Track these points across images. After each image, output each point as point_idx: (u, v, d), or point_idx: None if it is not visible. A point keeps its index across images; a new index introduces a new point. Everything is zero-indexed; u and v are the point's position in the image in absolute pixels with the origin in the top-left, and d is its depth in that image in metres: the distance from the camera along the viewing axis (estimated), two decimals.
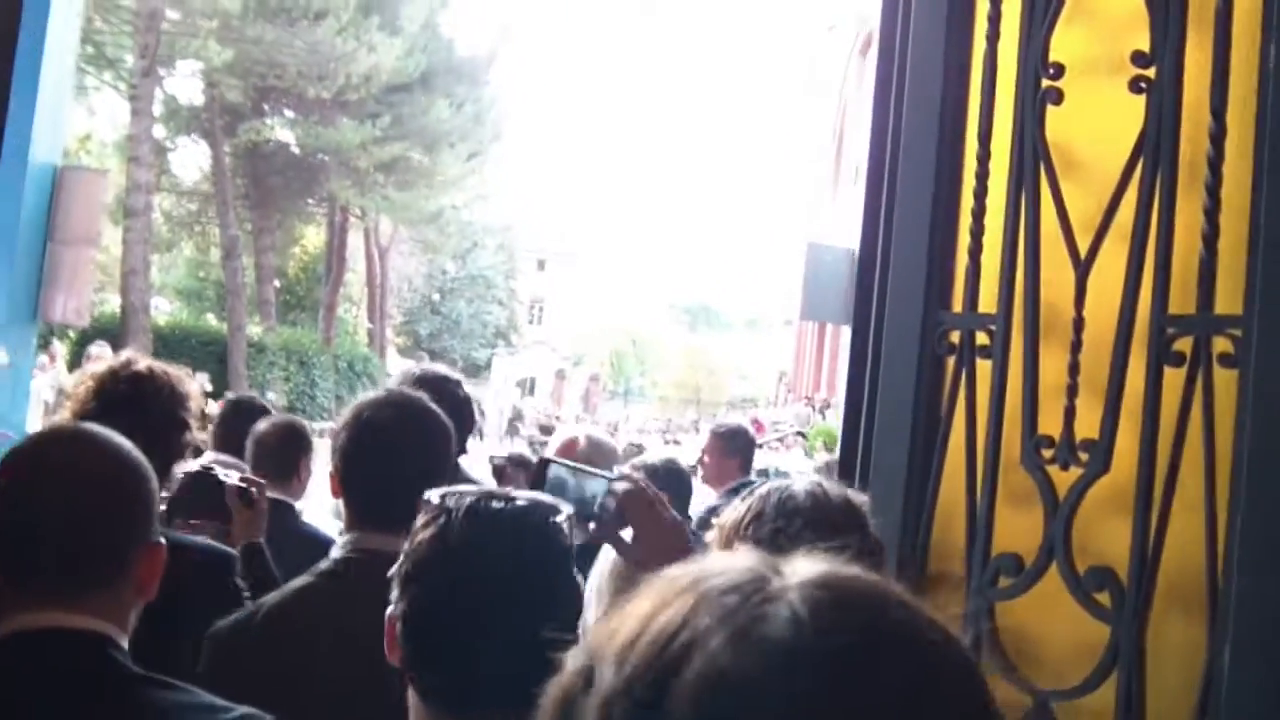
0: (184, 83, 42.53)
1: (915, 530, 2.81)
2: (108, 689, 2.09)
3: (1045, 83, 2.78)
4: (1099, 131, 2.81)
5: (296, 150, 46.16)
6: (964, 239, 2.87)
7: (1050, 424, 2.73)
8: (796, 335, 48.94)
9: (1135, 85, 2.73)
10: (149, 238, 35.86)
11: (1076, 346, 2.68)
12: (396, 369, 62.57)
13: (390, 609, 1.96)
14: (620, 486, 2.28)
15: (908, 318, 2.85)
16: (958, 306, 2.88)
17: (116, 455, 2.27)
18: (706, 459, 7.67)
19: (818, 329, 44.42)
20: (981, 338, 2.81)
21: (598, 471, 2.37)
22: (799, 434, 32.56)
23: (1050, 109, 2.79)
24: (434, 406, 3.09)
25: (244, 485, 4.08)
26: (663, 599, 0.91)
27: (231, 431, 5.65)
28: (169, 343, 38.70)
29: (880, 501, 2.82)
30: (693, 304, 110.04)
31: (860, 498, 2.41)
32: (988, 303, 2.83)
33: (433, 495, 2.00)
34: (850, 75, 42.64)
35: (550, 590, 1.93)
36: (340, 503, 2.98)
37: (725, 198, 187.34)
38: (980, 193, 2.83)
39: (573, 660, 0.93)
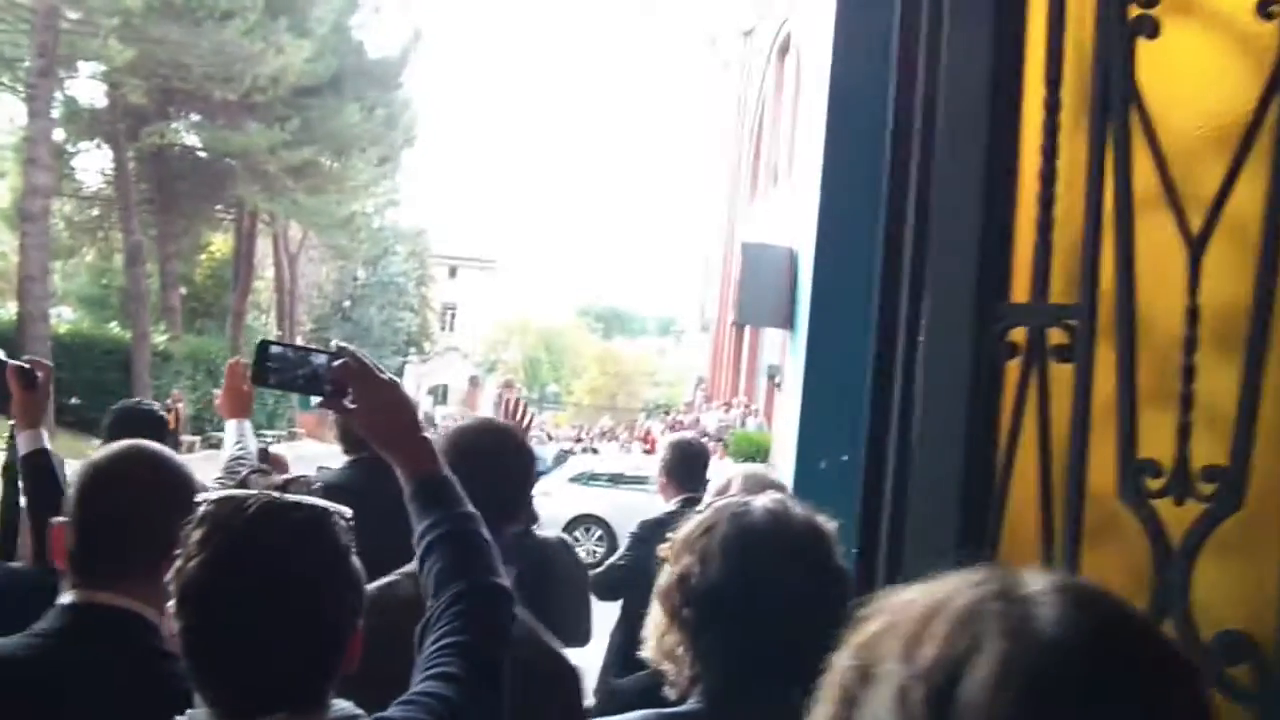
0: (86, 85, 41.61)
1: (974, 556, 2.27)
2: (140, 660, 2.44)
3: (1135, 10, 2.19)
4: (1211, 72, 2.23)
5: (203, 154, 45.32)
6: (1027, 210, 2.28)
7: (1152, 445, 2.15)
8: (714, 340, 48.56)
9: (1264, 8, 2.15)
10: (47, 243, 34.78)
11: (1191, 345, 2.09)
12: None
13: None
14: (336, 363, 2.45)
15: (954, 313, 2.27)
16: (1020, 295, 2.30)
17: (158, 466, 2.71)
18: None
19: (735, 334, 44.17)
20: (1057, 335, 2.21)
21: (316, 348, 2.53)
22: (719, 440, 32.25)
23: (1142, 44, 2.19)
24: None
25: (25, 365, 4.03)
26: (927, 607, 1.14)
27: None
28: (70, 351, 37.73)
29: (924, 543, 2.29)
30: (605, 310, 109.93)
31: (828, 524, 2.29)
32: (1061, 291, 2.25)
33: (204, 498, 2.03)
34: (769, 77, 42.38)
35: (326, 604, 1.96)
36: None
37: (637, 203, 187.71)
38: (1049, 151, 2.23)
39: (845, 661, 1.17)
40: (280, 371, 2.47)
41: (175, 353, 41.48)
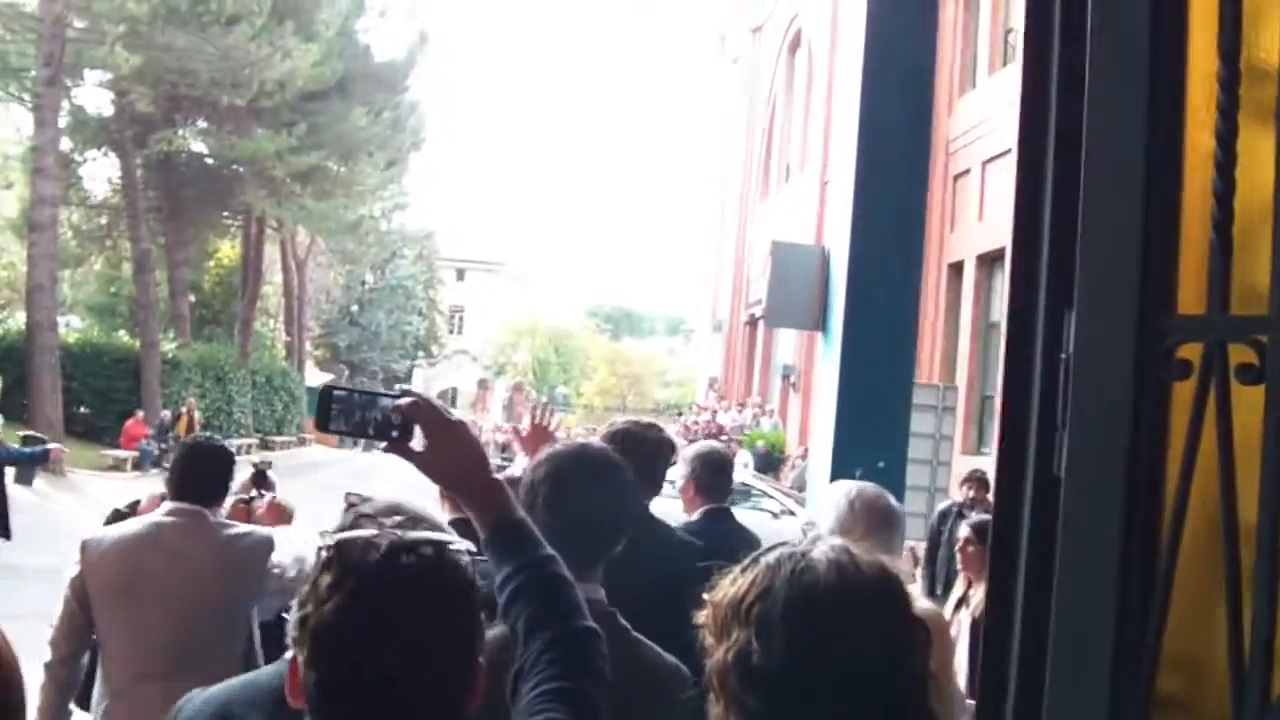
0: (92, 93, 41.41)
1: (1136, 634, 1.95)
2: None
3: None
4: None
5: (210, 161, 45.07)
6: (1197, 206, 1.97)
7: None
8: (726, 340, 48.30)
9: None
10: (55, 253, 34.54)
11: None
12: (315, 381, 62.07)
13: (291, 653, 1.93)
14: (404, 402, 2.33)
15: (1110, 328, 1.96)
16: (1190, 306, 1.98)
17: None
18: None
19: (748, 333, 43.93)
20: (1242, 353, 1.89)
21: (383, 392, 2.46)
22: (736, 441, 31.98)
23: None
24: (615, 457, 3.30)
25: None
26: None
27: (191, 473, 5.29)
28: (80, 360, 37.57)
29: (1077, 593, 1.99)
30: (614, 310, 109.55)
31: (900, 567, 2.05)
32: (1242, 301, 1.93)
33: (326, 538, 1.94)
34: (779, 75, 42.12)
35: (460, 646, 1.92)
36: None
37: (645, 203, 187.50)
38: (1227, 135, 1.92)
39: None
40: (346, 416, 2.37)
41: (184, 360, 41.23)
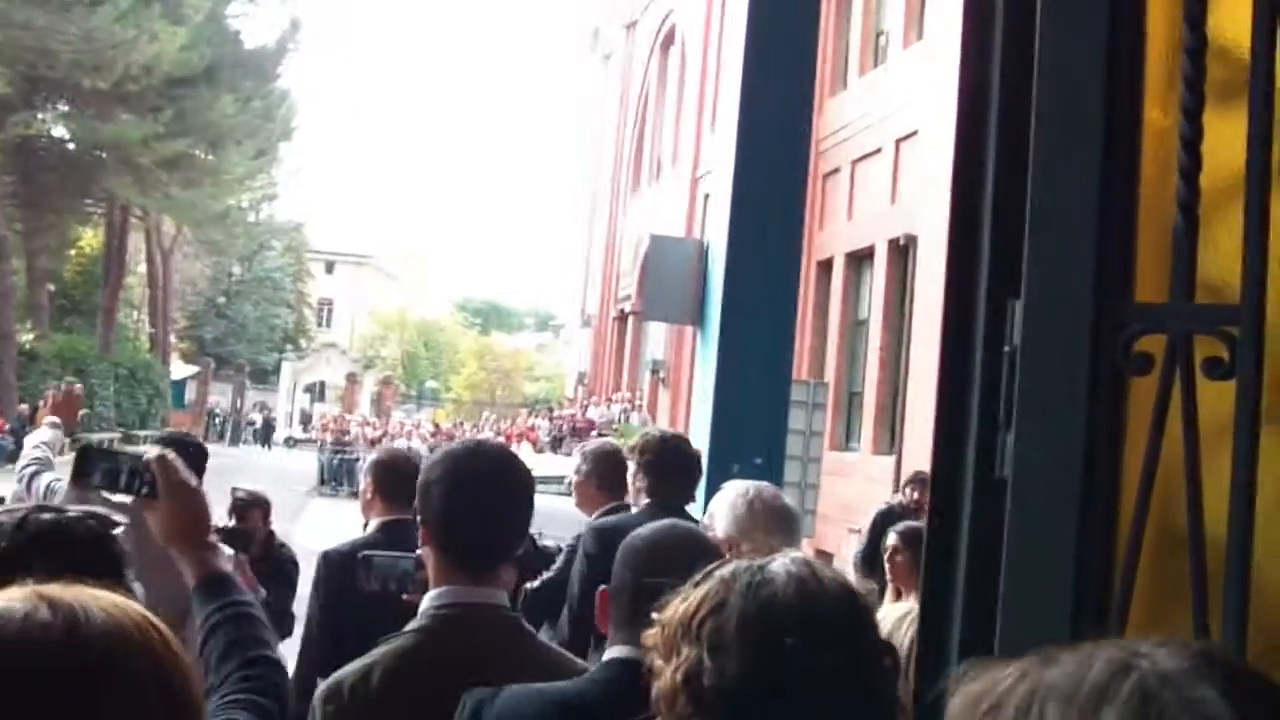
0: None
1: (1101, 603, 1.78)
2: None
3: None
4: None
5: (71, 146, 43.95)
6: (1154, 189, 1.80)
7: None
8: (594, 335, 48.10)
9: None
10: None
11: None
12: (180, 374, 60.84)
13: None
14: (153, 454, 2.60)
15: (1061, 317, 1.79)
16: (1149, 294, 1.80)
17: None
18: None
19: (617, 328, 43.80)
20: (1209, 345, 1.72)
21: (132, 450, 2.70)
22: (603, 435, 31.81)
23: None
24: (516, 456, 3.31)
25: None
26: None
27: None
28: None
29: (1024, 610, 1.81)
30: (483, 304, 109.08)
31: (863, 584, 1.81)
32: (1209, 290, 1.76)
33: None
34: (651, 71, 42.02)
35: None
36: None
37: (514, 198, 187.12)
38: (1194, 108, 1.74)
39: None
40: (105, 473, 2.62)
41: (42, 352, 40.23)
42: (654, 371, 37.62)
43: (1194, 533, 1.71)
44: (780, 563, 1.85)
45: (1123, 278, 1.81)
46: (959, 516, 1.89)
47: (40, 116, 41.14)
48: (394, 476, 5.73)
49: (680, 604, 1.84)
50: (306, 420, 61.74)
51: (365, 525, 5.93)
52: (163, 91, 39.38)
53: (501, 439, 34.24)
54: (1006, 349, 1.85)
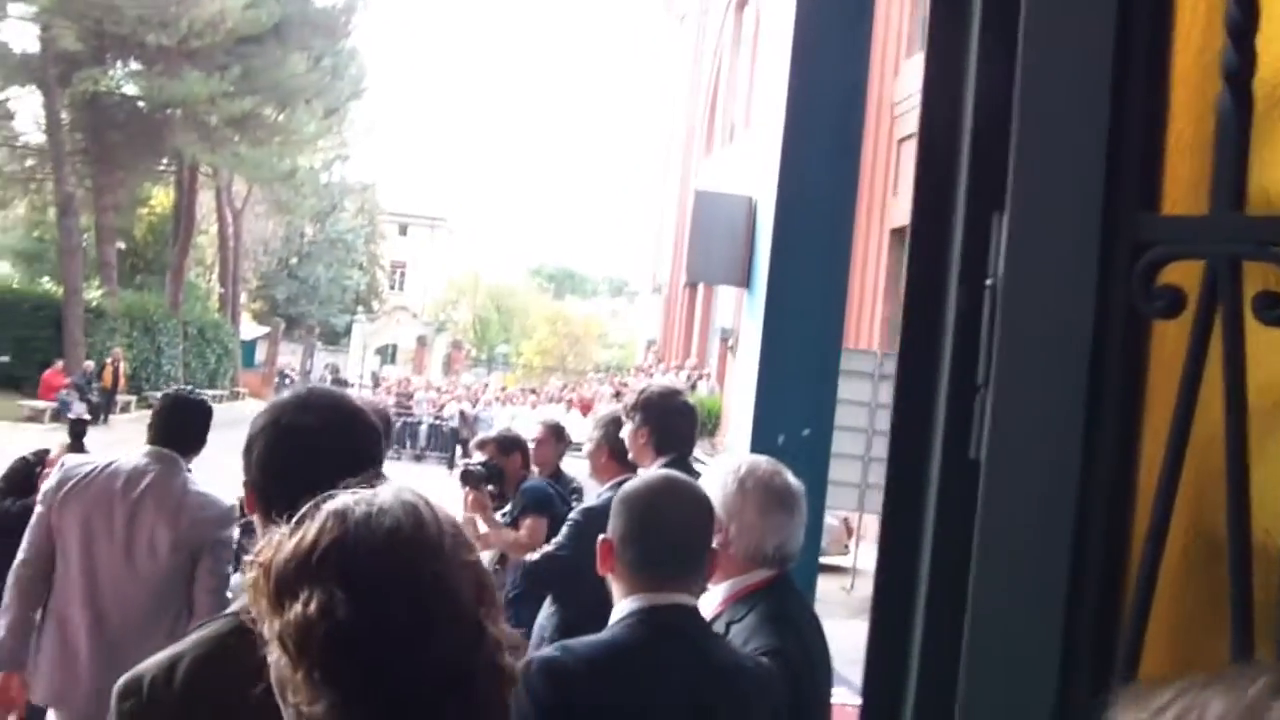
0: (18, 27, 40.02)
1: (1091, 684, 1.26)
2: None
3: None
4: None
5: (141, 103, 43.85)
6: (1194, 52, 1.28)
7: None
8: (666, 302, 47.68)
9: None
10: None
11: None
12: (251, 334, 61.26)
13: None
14: None
15: (1060, 236, 1.28)
16: (1181, 204, 1.27)
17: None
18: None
19: (688, 294, 43.34)
20: (1264, 275, 1.19)
21: None
22: None
23: None
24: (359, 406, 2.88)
25: None
26: None
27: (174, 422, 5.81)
28: None
29: (1005, 633, 1.31)
30: (557, 270, 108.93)
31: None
32: (1267, 200, 1.23)
33: None
34: (726, 30, 41.43)
35: None
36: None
37: (590, 161, 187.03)
38: None
39: None
40: None
41: (110, 309, 40.17)
42: (724, 339, 37.18)
43: (1236, 535, 1.20)
44: (388, 494, 1.80)
45: (1143, 180, 1.30)
46: (920, 508, 1.40)
47: (110, 73, 41.04)
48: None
49: (289, 541, 1.75)
50: (376, 382, 61.64)
51: None
52: (231, 49, 39.18)
53: (562, 405, 33.86)
54: (988, 282, 1.35)
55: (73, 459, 5.72)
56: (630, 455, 5.79)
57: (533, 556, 6.24)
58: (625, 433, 5.76)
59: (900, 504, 1.42)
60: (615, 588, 3.14)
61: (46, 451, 7.19)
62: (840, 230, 9.48)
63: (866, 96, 10.15)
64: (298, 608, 1.68)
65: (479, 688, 1.75)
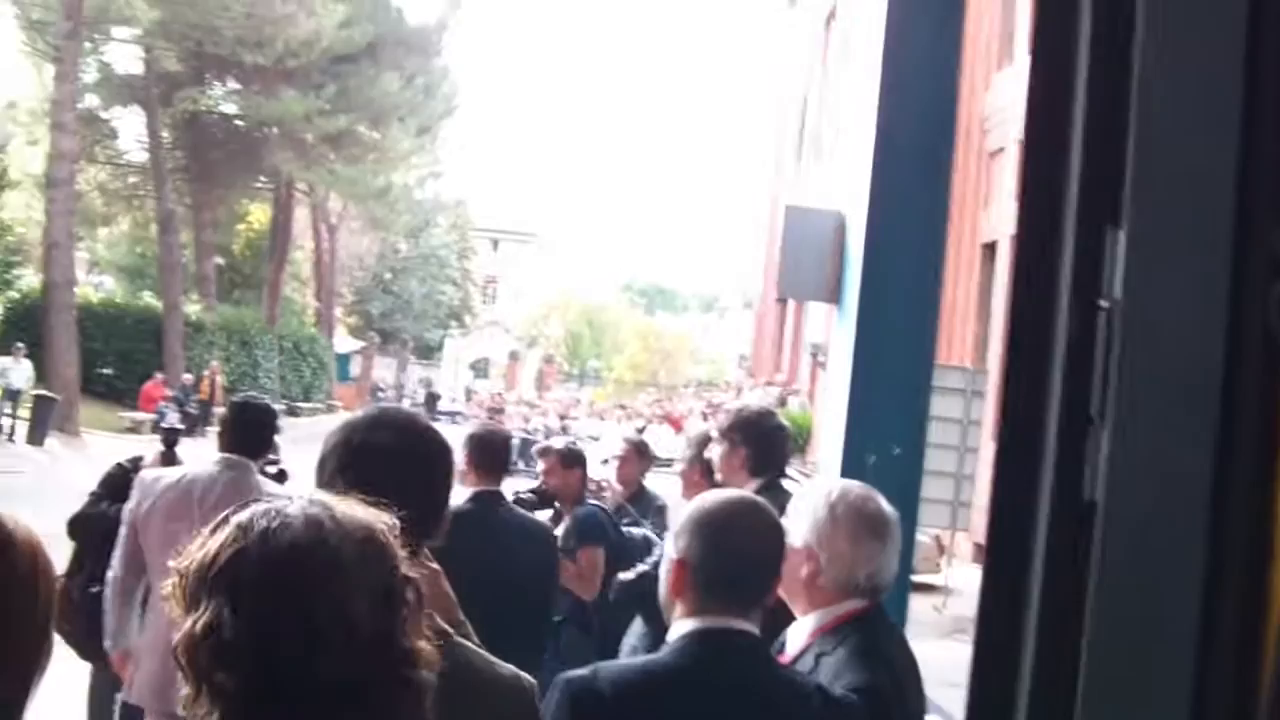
0: (121, 50, 40.71)
1: (1240, 704, 1.12)
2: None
3: None
4: None
5: (239, 122, 44.46)
6: None
7: None
8: (756, 317, 47.46)
9: None
10: (73, 209, 33.75)
11: None
12: (345, 348, 61.86)
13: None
14: None
15: (1185, 255, 1.15)
16: None
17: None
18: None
19: (778, 309, 43.12)
20: None
21: None
22: None
23: None
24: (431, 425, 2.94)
25: None
26: None
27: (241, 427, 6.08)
28: (101, 321, 37.21)
29: (1148, 655, 1.17)
30: (648, 285, 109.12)
31: (385, 521, 1.85)
32: None
33: None
34: (816, 44, 41.21)
35: None
36: None
37: (682, 177, 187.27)
38: None
39: None
40: None
41: (208, 323, 40.73)
42: (814, 355, 36.92)
43: None
44: (299, 504, 1.79)
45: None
46: (1027, 557, 1.26)
47: (208, 93, 41.67)
48: (486, 448, 6.03)
49: (198, 552, 1.75)
50: (469, 397, 61.94)
51: None
52: (326, 68, 39.63)
53: (653, 421, 33.70)
54: (1102, 305, 1.22)
55: (149, 473, 5.99)
56: (719, 476, 5.62)
57: (626, 576, 6.14)
58: (716, 453, 5.57)
59: (1004, 550, 1.28)
60: (678, 608, 3.05)
61: (141, 458, 7.27)
62: (932, 245, 9.30)
63: (957, 110, 10.00)
64: (189, 621, 1.69)
65: (376, 703, 1.74)
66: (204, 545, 1.75)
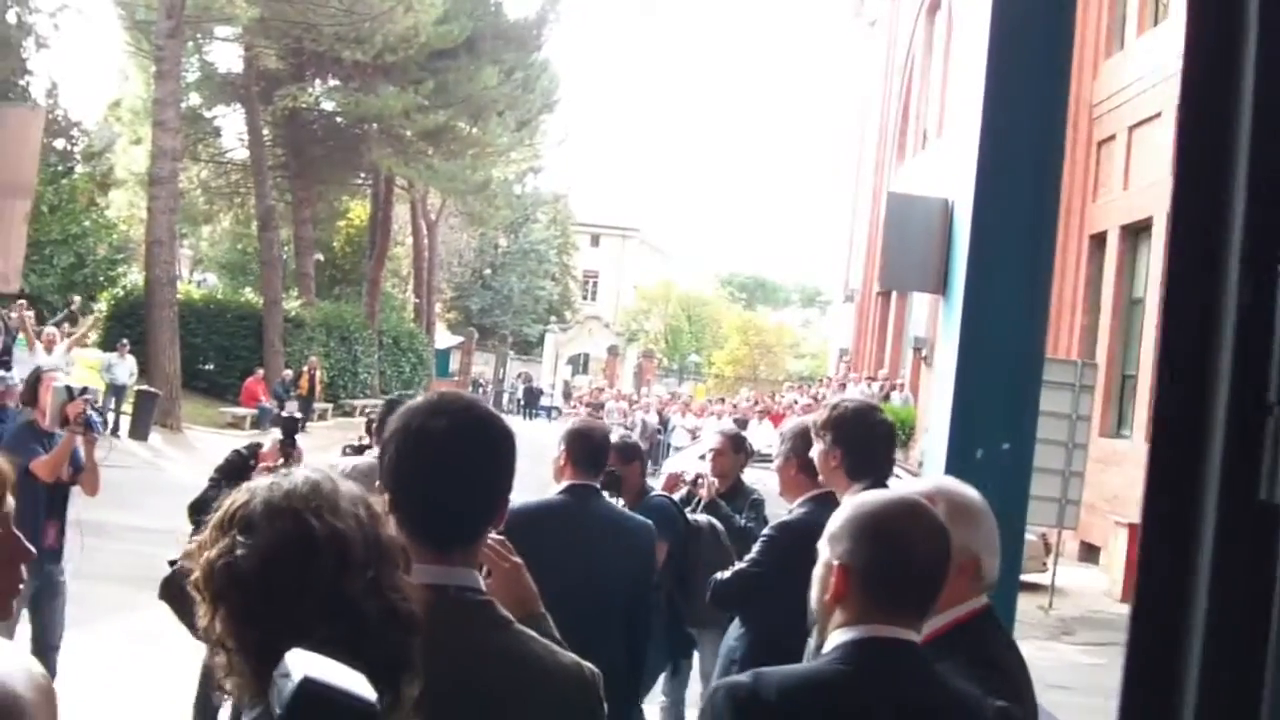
0: (222, 49, 41.23)
1: None
2: None
3: None
4: None
5: (338, 118, 44.79)
6: None
7: None
8: (857, 311, 47.09)
9: None
10: (176, 207, 34.08)
11: None
12: (445, 344, 62.21)
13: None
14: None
15: None
16: None
17: None
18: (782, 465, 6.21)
19: (880, 303, 42.75)
20: None
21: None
22: None
23: None
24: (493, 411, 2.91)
25: None
26: None
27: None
28: (203, 317, 37.60)
29: None
30: (748, 279, 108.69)
31: (359, 490, 2.17)
32: None
33: None
34: (918, 37, 40.78)
35: None
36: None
37: (781, 171, 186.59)
38: None
39: None
40: None
41: (308, 319, 41.02)
42: (917, 349, 36.55)
43: None
44: (303, 472, 2.16)
45: None
46: (1192, 568, 1.07)
47: (309, 90, 41.96)
48: (584, 443, 5.81)
49: (217, 515, 2.11)
50: (568, 392, 62.06)
51: None
52: (424, 64, 39.73)
53: (752, 417, 33.36)
54: None
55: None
56: (820, 478, 5.42)
57: (723, 575, 5.99)
58: (815, 453, 5.32)
59: (1165, 561, 1.10)
60: (837, 615, 2.92)
61: (259, 445, 7.39)
62: (1042, 235, 9.02)
63: (1069, 97, 9.71)
64: (209, 554, 2.04)
65: (369, 624, 2.03)
66: (220, 509, 2.11)
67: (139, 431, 27.70)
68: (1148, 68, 23.32)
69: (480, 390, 61.71)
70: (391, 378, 48.79)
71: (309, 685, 1.74)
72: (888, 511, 2.99)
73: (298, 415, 8.73)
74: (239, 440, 29.03)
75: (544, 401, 63.38)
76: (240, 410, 34.17)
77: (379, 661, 1.97)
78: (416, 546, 2.50)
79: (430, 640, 2.38)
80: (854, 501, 3.07)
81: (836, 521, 3.01)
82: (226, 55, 41.64)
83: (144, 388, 28.36)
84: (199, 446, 27.70)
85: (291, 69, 39.93)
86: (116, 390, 28.21)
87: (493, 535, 2.86)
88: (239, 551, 1.99)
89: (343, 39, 35.19)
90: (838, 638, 2.90)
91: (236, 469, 7.24)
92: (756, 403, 40.36)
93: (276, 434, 7.53)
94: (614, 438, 7.81)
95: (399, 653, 2.07)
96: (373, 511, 2.14)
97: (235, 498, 2.09)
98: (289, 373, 36.39)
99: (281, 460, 7.07)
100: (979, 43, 9.27)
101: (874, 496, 3.12)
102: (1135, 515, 21.52)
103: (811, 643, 3.38)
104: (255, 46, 37.79)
